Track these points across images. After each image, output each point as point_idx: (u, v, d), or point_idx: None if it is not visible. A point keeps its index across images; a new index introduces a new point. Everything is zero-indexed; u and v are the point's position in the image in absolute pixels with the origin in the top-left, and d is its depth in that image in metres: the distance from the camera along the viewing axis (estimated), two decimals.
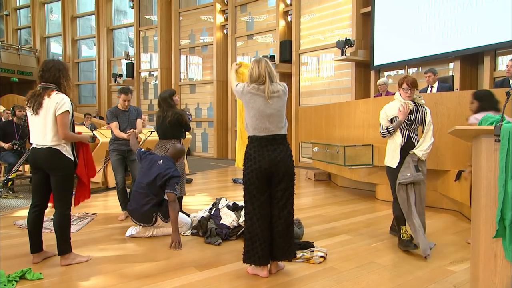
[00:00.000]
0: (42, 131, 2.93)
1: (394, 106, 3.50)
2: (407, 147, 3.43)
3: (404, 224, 3.45)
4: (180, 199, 4.49)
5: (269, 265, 2.90)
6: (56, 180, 2.97)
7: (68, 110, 2.92)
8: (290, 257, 2.96)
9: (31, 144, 3.05)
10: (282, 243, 2.84)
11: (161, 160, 3.83)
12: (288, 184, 2.86)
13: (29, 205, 3.08)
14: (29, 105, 2.95)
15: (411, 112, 3.45)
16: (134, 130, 4.48)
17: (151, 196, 3.71)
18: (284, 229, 2.85)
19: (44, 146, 2.94)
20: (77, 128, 3.57)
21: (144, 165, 3.90)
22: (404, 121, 3.43)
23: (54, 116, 2.90)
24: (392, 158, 3.49)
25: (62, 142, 2.96)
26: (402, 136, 3.46)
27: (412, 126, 3.46)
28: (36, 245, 3.09)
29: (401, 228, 3.47)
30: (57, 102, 2.89)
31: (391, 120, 3.49)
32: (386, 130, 3.50)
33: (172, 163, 3.86)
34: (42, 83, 2.97)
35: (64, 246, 3.02)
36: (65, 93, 2.98)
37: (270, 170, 2.79)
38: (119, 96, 4.73)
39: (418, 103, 3.51)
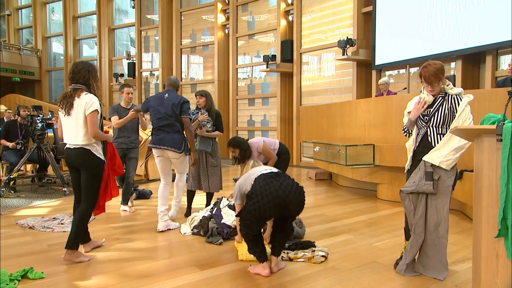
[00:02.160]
0: (74, 131, 3.07)
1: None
2: (421, 149, 2.80)
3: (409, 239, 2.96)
4: (193, 193, 4.72)
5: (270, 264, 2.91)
6: (86, 178, 3.11)
7: (97, 110, 3.04)
8: (278, 255, 3.01)
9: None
10: (284, 238, 3.00)
11: (166, 94, 4.05)
12: (300, 212, 2.88)
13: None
14: (61, 107, 3.09)
15: (430, 105, 2.77)
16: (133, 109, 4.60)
17: (176, 124, 3.95)
18: (290, 230, 3.04)
19: (76, 146, 3.07)
20: None
21: (154, 104, 4.05)
22: (419, 116, 2.79)
23: (84, 116, 3.02)
24: (408, 160, 2.95)
25: (93, 141, 3.08)
26: (416, 135, 2.84)
27: (430, 123, 2.75)
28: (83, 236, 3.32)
29: (407, 242, 3.00)
30: (86, 102, 3.02)
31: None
32: (403, 129, 2.98)
33: (176, 93, 4.11)
34: (72, 85, 3.08)
35: (74, 241, 3.09)
36: (94, 93, 3.12)
37: (280, 206, 2.71)
38: (122, 91, 4.78)
39: (448, 93, 2.75)
